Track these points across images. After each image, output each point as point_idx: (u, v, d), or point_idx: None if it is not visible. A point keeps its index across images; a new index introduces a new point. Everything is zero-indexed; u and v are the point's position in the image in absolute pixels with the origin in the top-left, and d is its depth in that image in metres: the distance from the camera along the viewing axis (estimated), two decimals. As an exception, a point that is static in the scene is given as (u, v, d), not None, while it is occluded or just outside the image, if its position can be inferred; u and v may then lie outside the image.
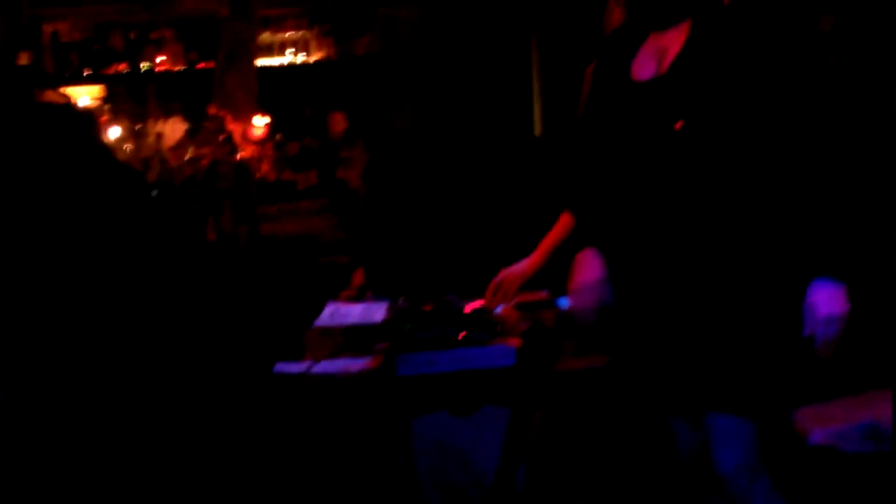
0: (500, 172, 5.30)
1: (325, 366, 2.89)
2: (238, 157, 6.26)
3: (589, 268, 2.71)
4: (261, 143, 6.33)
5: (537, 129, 5.97)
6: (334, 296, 3.59)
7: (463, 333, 2.86)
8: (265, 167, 6.33)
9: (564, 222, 3.25)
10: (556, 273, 3.23)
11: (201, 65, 6.55)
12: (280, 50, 6.72)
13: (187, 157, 6.25)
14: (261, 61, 6.58)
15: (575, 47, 5.58)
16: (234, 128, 6.32)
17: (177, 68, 6.52)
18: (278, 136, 6.43)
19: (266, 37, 6.68)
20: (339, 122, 6.54)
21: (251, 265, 5.85)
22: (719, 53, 2.49)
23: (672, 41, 2.57)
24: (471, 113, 5.89)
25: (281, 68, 6.67)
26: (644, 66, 2.60)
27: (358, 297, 3.48)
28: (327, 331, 3.13)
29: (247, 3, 6.49)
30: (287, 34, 6.73)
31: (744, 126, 2.47)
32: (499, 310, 3.18)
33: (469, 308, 3.08)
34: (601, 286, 2.68)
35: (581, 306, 2.70)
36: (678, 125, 2.49)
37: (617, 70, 2.64)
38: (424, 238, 4.66)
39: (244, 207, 6.15)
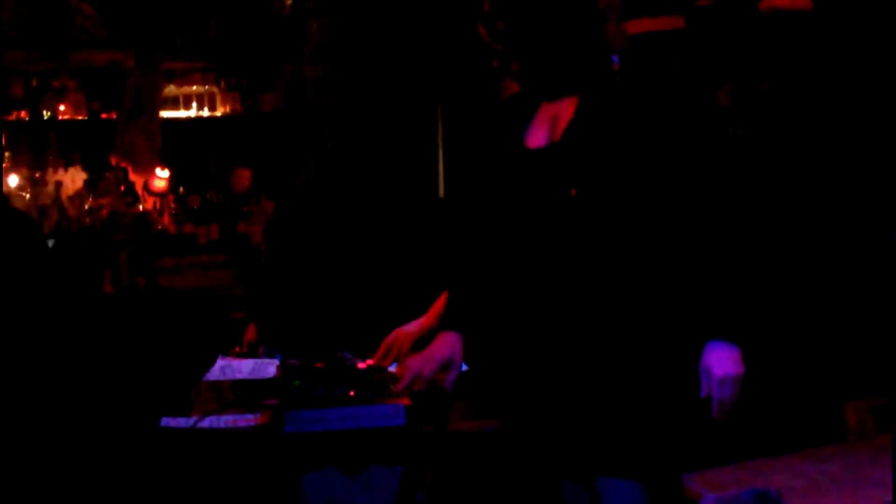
0: (402, 232, 5.31)
1: (213, 421, 2.85)
2: (139, 208, 6.19)
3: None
4: (162, 195, 6.26)
5: (441, 191, 5.99)
6: (226, 351, 3.56)
7: (353, 392, 2.84)
8: (166, 219, 6.26)
9: None
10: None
11: (104, 115, 6.47)
12: (185, 103, 6.67)
13: (87, 206, 6.16)
14: (165, 113, 6.53)
15: (481, 109, 5.63)
16: (136, 179, 6.26)
17: (79, 117, 6.44)
18: (180, 189, 6.37)
19: (171, 89, 6.63)
20: (244, 178, 6.50)
21: (147, 318, 5.77)
22: (610, 122, 2.52)
23: (564, 110, 2.60)
24: (375, 172, 5.91)
25: (185, 121, 6.62)
26: (537, 134, 2.62)
27: (249, 353, 3.45)
28: (216, 385, 3.10)
29: (152, 55, 6.45)
30: (192, 87, 6.69)
31: (635, 193, 2.50)
32: (392, 368, 3.17)
33: (362, 366, 3.07)
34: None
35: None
36: (573, 192, 2.51)
37: (510, 138, 2.66)
38: (322, 295, 4.64)
39: (142, 259, 6.08)
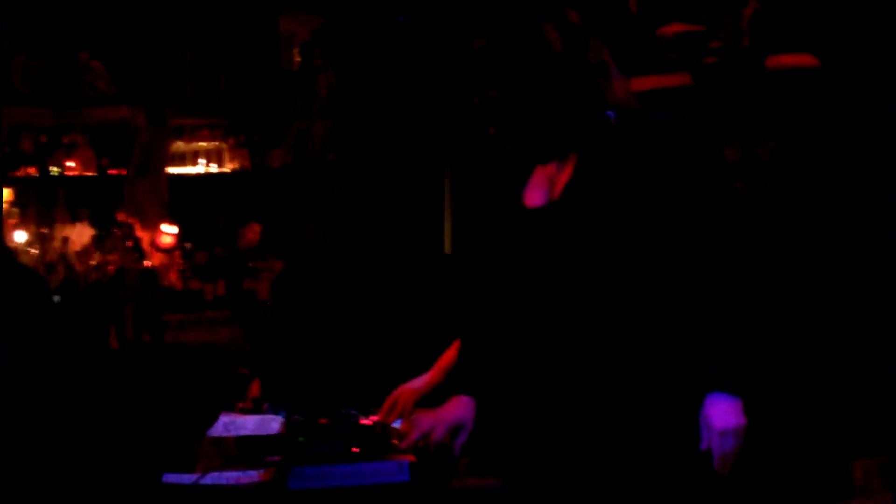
0: (407, 288, 5.30)
1: (216, 477, 2.83)
2: (145, 264, 6.20)
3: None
4: (169, 251, 6.27)
5: (447, 247, 5.99)
6: (231, 406, 3.54)
7: (357, 448, 2.83)
8: (172, 275, 6.27)
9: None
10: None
11: (112, 171, 6.49)
12: (193, 159, 6.69)
13: (93, 262, 6.17)
14: (173, 169, 6.55)
15: (488, 166, 5.64)
16: (143, 235, 6.27)
17: (87, 173, 6.46)
18: (187, 245, 6.38)
19: (179, 146, 6.65)
20: (253, 233, 6.52)
21: (152, 374, 5.76)
22: (610, 179, 2.51)
23: (562, 168, 2.59)
24: (381, 228, 5.91)
25: (193, 177, 6.64)
26: (535, 193, 2.62)
27: (254, 409, 3.43)
28: (220, 441, 3.08)
29: (161, 112, 6.48)
30: (201, 143, 6.71)
31: (636, 251, 2.49)
32: (397, 424, 3.16)
33: (366, 422, 3.06)
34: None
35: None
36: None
37: (509, 197, 2.66)
38: (327, 351, 4.63)
39: (148, 315, 6.08)
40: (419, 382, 3.27)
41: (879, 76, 4.32)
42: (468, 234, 5.55)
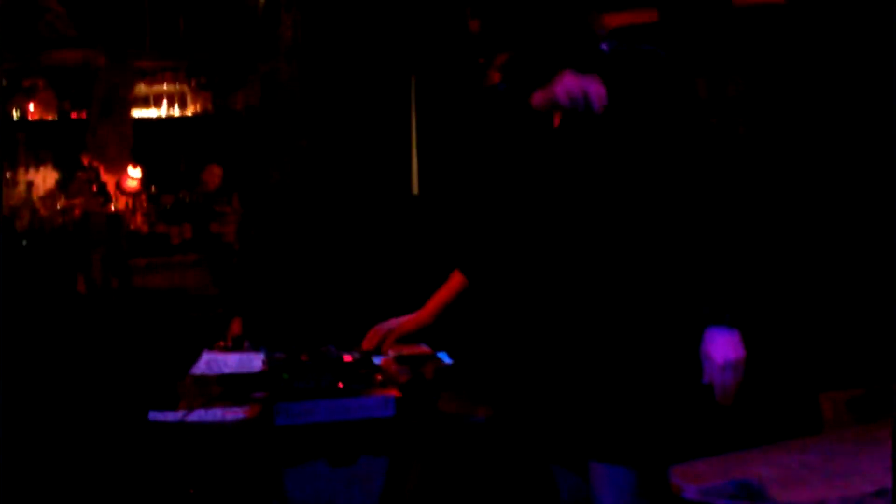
0: (376, 228, 5.31)
1: (201, 414, 2.84)
2: (111, 208, 6.16)
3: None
4: (134, 195, 6.24)
5: (415, 189, 6.00)
6: (208, 346, 3.54)
7: (341, 384, 2.85)
8: (138, 219, 6.24)
9: (455, 282, 3.28)
10: (442, 331, 3.27)
11: (74, 114, 6.44)
12: (155, 102, 6.64)
13: (59, 206, 6.13)
14: (136, 113, 6.50)
15: (453, 111, 5.65)
16: (108, 179, 6.23)
17: (49, 117, 6.40)
18: (153, 189, 6.35)
19: (141, 88, 6.60)
20: (215, 175, 6.49)
21: (122, 317, 5.74)
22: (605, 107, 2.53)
23: None
24: (349, 169, 5.90)
25: (156, 120, 6.59)
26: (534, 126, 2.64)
27: (234, 347, 3.44)
28: (203, 379, 3.08)
29: (123, 55, 6.42)
30: (163, 86, 6.66)
31: (630, 178, 2.52)
32: (378, 361, 3.17)
33: (348, 358, 3.07)
34: None
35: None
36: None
37: (507, 127, 2.68)
38: (301, 291, 4.64)
39: (115, 260, 6.05)
40: (409, 319, 3.28)
41: (845, 11, 4.34)
42: (447, 169, 5.56)
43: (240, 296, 5.68)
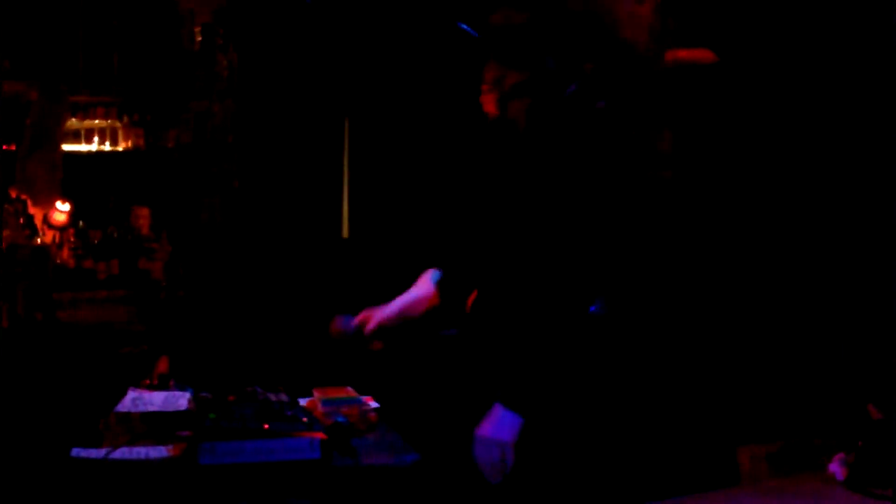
0: (305, 269, 5.32)
1: (125, 452, 2.84)
2: (37, 241, 6.12)
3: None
4: (62, 228, 6.20)
5: (345, 232, 6.02)
6: (133, 384, 3.53)
7: (267, 425, 2.86)
8: (65, 253, 6.20)
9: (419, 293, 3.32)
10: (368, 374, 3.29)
11: (3, 146, 6.39)
12: (87, 137, 6.62)
13: (-17, 238, 6.08)
14: (67, 147, 6.48)
15: (383, 161, 5.70)
16: (35, 212, 6.18)
17: (-23, 148, 6.36)
18: (80, 223, 6.31)
19: (73, 123, 6.58)
20: (141, 216, 6.47)
21: (45, 352, 5.69)
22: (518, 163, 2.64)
23: None
24: (280, 211, 5.92)
25: (87, 155, 6.57)
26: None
27: (160, 386, 3.43)
28: (128, 417, 3.08)
29: (57, 88, 6.40)
30: (95, 121, 6.65)
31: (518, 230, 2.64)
32: (303, 402, 3.19)
33: (274, 399, 3.08)
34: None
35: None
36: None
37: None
38: (228, 331, 4.63)
39: (40, 293, 6.00)
40: (388, 309, 3.29)
41: (778, 70, 4.44)
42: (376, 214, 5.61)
43: (166, 333, 5.66)
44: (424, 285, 3.28)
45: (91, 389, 4.11)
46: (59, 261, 6.17)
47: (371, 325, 3.24)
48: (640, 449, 2.77)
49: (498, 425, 2.57)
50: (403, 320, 3.25)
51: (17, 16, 6.38)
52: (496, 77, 2.81)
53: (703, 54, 4.63)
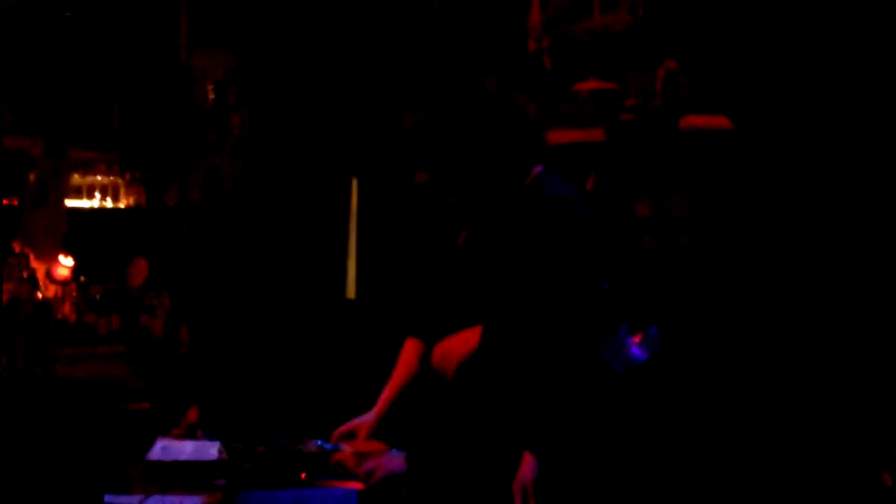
0: (310, 331, 5.31)
1: (158, 500, 2.82)
2: (39, 296, 6.09)
3: None
4: (64, 283, 6.17)
5: (351, 292, 6.02)
6: (137, 440, 3.49)
7: (304, 475, 2.84)
8: (66, 308, 6.17)
9: (399, 376, 3.32)
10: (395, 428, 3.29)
11: (5, 200, 6.39)
12: (89, 193, 6.63)
13: (-14, 291, 6.04)
14: (69, 202, 6.48)
15: (391, 221, 5.71)
16: (38, 266, 6.16)
17: (-20, 202, 6.35)
18: (82, 279, 6.29)
19: (76, 179, 6.59)
20: (141, 269, 6.45)
21: (45, 407, 5.64)
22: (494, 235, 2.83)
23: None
24: (286, 269, 5.92)
25: (89, 211, 6.58)
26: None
27: (187, 435, 3.40)
28: (158, 465, 3.05)
29: (60, 144, 6.41)
30: (97, 178, 6.66)
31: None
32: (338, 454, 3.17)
33: (307, 450, 3.07)
34: None
35: None
36: None
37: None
38: (237, 385, 4.62)
39: (40, 347, 5.96)
40: (370, 417, 3.31)
41: (791, 138, 4.50)
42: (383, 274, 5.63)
43: (166, 390, 5.64)
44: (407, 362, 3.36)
45: (94, 443, 4.08)
46: (60, 316, 6.14)
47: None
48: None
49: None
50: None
51: (20, 70, 6.40)
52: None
53: (718, 121, 4.69)
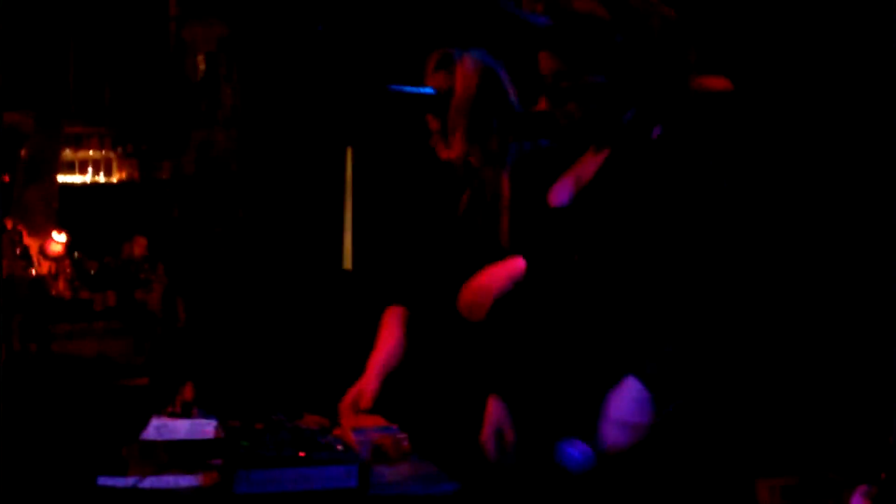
0: (307, 303, 5.25)
1: (154, 481, 2.76)
2: (33, 272, 6.03)
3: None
4: (58, 259, 6.11)
5: (347, 263, 5.96)
6: (134, 418, 3.42)
7: (303, 453, 2.78)
8: (61, 285, 6.10)
9: (389, 340, 3.27)
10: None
11: (-1, 177, 6.33)
12: (82, 168, 6.57)
13: (-21, 269, 5.99)
14: (62, 178, 6.42)
15: (388, 189, 5.64)
16: (31, 243, 6.10)
17: (-28, 178, 6.28)
18: (76, 254, 6.23)
19: (68, 154, 6.52)
20: (139, 246, 6.40)
21: (41, 385, 5.59)
22: (627, 185, 2.43)
23: (588, 169, 2.53)
24: (283, 241, 5.86)
25: (81, 186, 6.51)
26: (561, 192, 2.57)
27: (183, 413, 3.33)
28: (152, 445, 2.99)
29: (53, 119, 6.34)
30: (89, 152, 6.59)
31: (634, 258, 2.42)
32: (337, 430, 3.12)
33: (304, 427, 3.01)
34: None
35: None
36: (575, 257, 2.46)
37: (535, 192, 2.62)
38: (235, 360, 4.56)
39: (36, 324, 5.90)
40: (370, 382, 3.24)
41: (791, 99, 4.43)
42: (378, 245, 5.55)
43: (164, 365, 5.59)
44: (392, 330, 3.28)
45: (91, 421, 4.02)
46: (55, 292, 6.08)
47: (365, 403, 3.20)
48: (660, 480, 2.69)
49: (634, 406, 2.41)
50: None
51: (11, 45, 6.32)
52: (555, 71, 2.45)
53: (720, 83, 4.60)
